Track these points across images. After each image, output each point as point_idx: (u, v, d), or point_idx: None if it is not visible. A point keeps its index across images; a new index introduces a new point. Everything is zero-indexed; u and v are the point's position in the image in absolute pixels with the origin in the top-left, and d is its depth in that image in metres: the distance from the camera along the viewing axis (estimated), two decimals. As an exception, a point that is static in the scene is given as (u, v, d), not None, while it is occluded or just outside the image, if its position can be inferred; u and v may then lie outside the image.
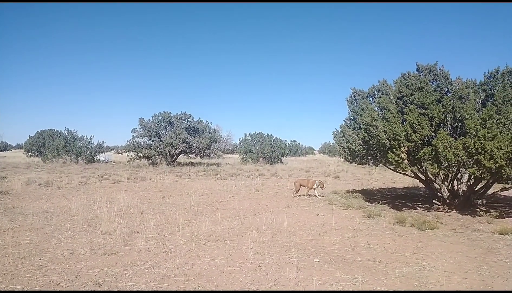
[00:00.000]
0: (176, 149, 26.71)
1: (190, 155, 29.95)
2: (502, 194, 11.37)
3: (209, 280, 4.26)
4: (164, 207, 9.29)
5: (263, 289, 4.04)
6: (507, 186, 9.49)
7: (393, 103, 9.65)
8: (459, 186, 9.56)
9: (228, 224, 7.33)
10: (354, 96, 11.58)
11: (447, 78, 9.82)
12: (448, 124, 9.18)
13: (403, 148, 8.64)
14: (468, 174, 9.03)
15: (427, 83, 9.28)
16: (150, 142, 27.04)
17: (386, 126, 8.84)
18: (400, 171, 9.27)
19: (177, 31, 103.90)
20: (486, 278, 4.49)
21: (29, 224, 7.03)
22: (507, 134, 7.48)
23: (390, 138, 8.77)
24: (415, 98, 9.03)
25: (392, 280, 4.33)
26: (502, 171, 7.51)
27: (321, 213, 8.71)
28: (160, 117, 27.64)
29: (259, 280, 4.30)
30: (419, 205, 10.06)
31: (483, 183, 9.20)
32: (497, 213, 8.46)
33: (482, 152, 7.49)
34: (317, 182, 11.67)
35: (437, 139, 8.10)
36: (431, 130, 8.71)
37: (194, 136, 27.14)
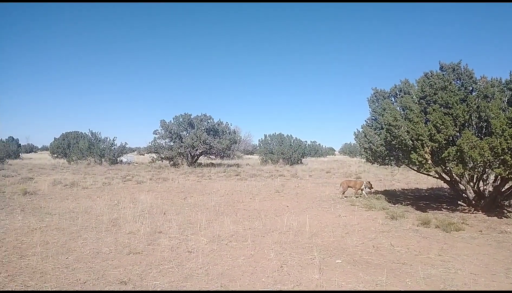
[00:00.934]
0: (196, 150, 26.99)
1: (210, 156, 30.24)
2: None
3: (231, 280, 4.29)
4: (186, 207, 9.40)
5: (285, 289, 4.05)
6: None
7: (416, 103, 9.49)
8: (485, 187, 9.33)
9: (250, 225, 7.37)
10: (375, 96, 11.44)
11: (472, 77, 9.60)
12: (473, 124, 8.96)
13: (426, 148, 8.50)
14: (494, 175, 8.80)
15: (450, 83, 9.10)
16: (172, 143, 27.41)
17: (409, 126, 8.71)
18: (424, 172, 9.11)
19: (197, 34, 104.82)
20: (515, 281, 4.38)
21: (56, 223, 7.23)
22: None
23: (413, 138, 8.64)
24: (438, 98, 8.87)
25: (417, 282, 4.27)
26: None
27: (343, 214, 8.65)
28: (181, 119, 27.98)
29: (282, 280, 4.31)
30: (444, 206, 9.86)
31: (510, 183, 8.95)
32: (526, 214, 8.22)
33: (509, 152, 7.30)
34: (365, 182, 11.58)
35: (462, 139, 7.93)
36: (456, 130, 8.53)
37: (214, 138, 27.35)
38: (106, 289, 3.98)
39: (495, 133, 7.77)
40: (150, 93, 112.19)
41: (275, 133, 32.38)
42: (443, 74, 9.68)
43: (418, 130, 8.48)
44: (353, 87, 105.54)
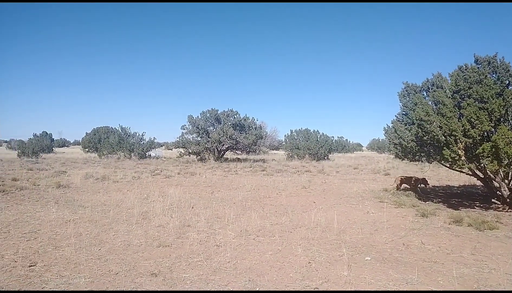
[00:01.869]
0: (223, 145, 27.18)
1: (236, 151, 30.36)
2: None
3: (259, 275, 4.31)
4: (214, 201, 9.49)
5: (313, 285, 4.03)
6: None
7: (449, 97, 9.20)
8: (521, 184, 8.97)
9: (277, 220, 7.37)
10: (406, 91, 11.15)
11: (508, 70, 9.19)
12: (509, 119, 8.61)
13: (460, 144, 8.23)
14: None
15: (486, 76, 8.76)
16: (199, 138, 27.69)
17: (442, 121, 8.46)
18: (456, 168, 8.83)
19: (225, 30, 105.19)
20: (555, 283, 4.19)
21: (88, 216, 7.46)
22: None
23: (445, 134, 8.39)
24: (473, 92, 8.56)
25: (449, 281, 4.16)
26: None
27: (371, 211, 8.51)
28: (208, 114, 28.22)
29: (309, 276, 4.29)
30: (477, 204, 9.54)
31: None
32: None
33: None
34: (420, 179, 11.38)
35: (498, 135, 7.63)
36: (491, 126, 8.22)
37: (240, 133, 27.44)
38: (137, 280, 4.07)
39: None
40: (178, 89, 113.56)
41: (301, 128, 32.20)
42: (478, 68, 9.33)
43: (451, 126, 8.23)
44: (382, 82, 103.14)
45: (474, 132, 8.03)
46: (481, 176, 9.47)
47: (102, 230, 6.32)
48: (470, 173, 9.41)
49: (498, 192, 9.05)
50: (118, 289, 3.82)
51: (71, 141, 79.07)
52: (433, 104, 9.79)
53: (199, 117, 28.25)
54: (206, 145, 26.65)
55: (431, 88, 10.62)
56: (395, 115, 11.51)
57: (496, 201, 8.95)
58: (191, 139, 27.83)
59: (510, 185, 8.99)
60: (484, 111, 8.12)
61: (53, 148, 41.71)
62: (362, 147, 73.14)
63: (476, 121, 8.01)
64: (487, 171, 8.85)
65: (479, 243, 5.87)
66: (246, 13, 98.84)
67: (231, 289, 3.90)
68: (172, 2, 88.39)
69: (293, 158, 29.95)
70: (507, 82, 9.16)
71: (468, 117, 8.10)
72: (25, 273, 4.23)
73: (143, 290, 3.84)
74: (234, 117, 28.43)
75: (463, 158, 8.30)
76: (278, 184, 13.35)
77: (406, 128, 10.29)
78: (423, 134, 9.02)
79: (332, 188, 12.61)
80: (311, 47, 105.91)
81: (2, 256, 4.84)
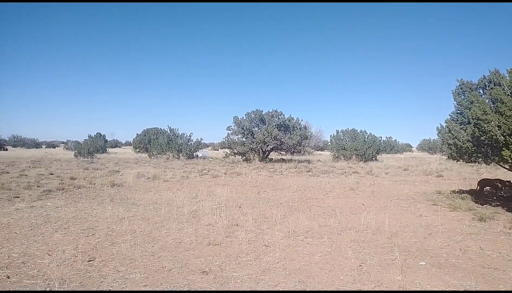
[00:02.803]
0: (268, 145, 27.26)
1: (281, 152, 30.33)
2: None
3: (309, 276, 4.27)
4: (260, 201, 9.53)
5: (365, 289, 3.93)
6: None
7: (508, 95, 8.65)
8: None
9: (324, 222, 7.27)
10: (461, 89, 10.63)
11: None
12: None
13: (521, 144, 7.72)
14: None
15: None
16: (244, 139, 27.98)
17: (500, 120, 7.97)
18: (518, 170, 8.28)
19: (269, 31, 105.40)
20: None
21: (141, 214, 7.75)
22: None
23: (505, 133, 7.89)
24: (536, 89, 8.00)
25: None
26: None
27: (424, 214, 8.17)
28: (252, 115, 28.43)
29: (361, 280, 4.19)
30: (541, 209, 8.89)
31: None
32: None
33: None
34: (505, 181, 10.87)
35: None
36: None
37: (285, 133, 27.40)
38: (189, 277, 4.17)
39: None
40: (224, 90, 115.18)
41: (347, 128, 31.58)
42: (542, 62, 8.69)
43: (511, 125, 7.73)
44: (434, 80, 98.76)
45: (539, 131, 7.50)
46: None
47: (154, 228, 6.54)
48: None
49: None
50: (170, 289, 3.94)
51: (123, 142, 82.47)
52: (491, 103, 9.25)
53: (244, 118, 28.53)
54: (251, 146, 26.86)
55: (488, 86, 10.06)
56: (449, 114, 11.01)
57: None
58: (236, 140, 28.18)
59: None
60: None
61: (107, 148, 43.69)
62: (412, 147, 70.58)
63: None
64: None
65: (546, 251, 5.47)
66: (290, 12, 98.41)
67: (280, 289, 3.89)
68: (224, 2, 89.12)
69: (339, 158, 29.44)
70: None
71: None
72: (84, 267, 4.46)
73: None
74: (279, 117, 28.41)
75: (525, 159, 7.78)
76: (325, 185, 13.18)
77: (461, 128, 9.80)
78: (480, 134, 8.54)
79: (382, 190, 12.25)
80: (358, 45, 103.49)
81: (63, 250, 5.13)
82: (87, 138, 40.95)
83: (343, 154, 29.53)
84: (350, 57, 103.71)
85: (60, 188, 11.08)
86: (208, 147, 55.92)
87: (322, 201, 9.94)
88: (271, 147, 27.96)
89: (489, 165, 10.71)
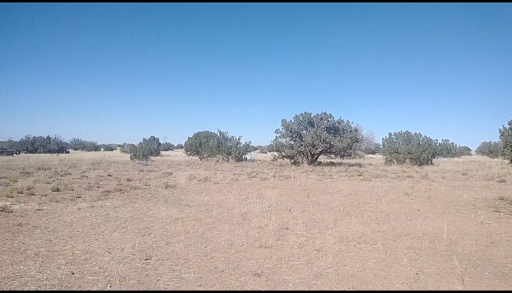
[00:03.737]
0: (316, 148, 26.98)
1: (330, 155, 29.88)
2: None
3: (363, 283, 4.16)
4: (310, 205, 9.44)
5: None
6: None
7: None
8: None
9: (378, 227, 7.05)
10: (527, 88, 9.89)
11: None
12: None
13: None
14: None
15: None
16: (292, 142, 27.90)
17: None
18: None
19: (318, 34, 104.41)
20: None
21: (194, 215, 7.96)
22: None
23: None
24: None
25: None
26: None
27: (485, 221, 7.69)
28: (301, 118, 28.27)
29: (418, 288, 4.03)
30: None
31: None
32: None
33: None
34: None
35: None
36: None
37: (334, 136, 26.99)
38: (242, 279, 4.22)
39: None
40: (272, 93, 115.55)
41: (401, 131, 30.50)
42: None
43: None
44: (497, 79, 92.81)
45: None
46: None
47: (206, 229, 6.68)
48: None
49: None
50: (224, 289, 4.00)
51: (175, 145, 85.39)
52: None
53: (293, 121, 28.45)
54: (300, 149, 26.72)
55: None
56: (514, 116, 10.26)
57: None
58: (284, 142, 28.15)
59: None
60: None
61: (160, 151, 45.41)
62: (471, 150, 66.95)
63: None
64: None
65: None
66: (339, 14, 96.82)
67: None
68: (288, 2, 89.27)
69: (392, 162, 28.49)
70: None
71: None
72: (142, 265, 4.65)
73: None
74: (328, 120, 28.04)
75: None
76: (377, 190, 12.79)
77: (528, 130, 9.12)
78: (550, 136, 7.91)
79: (438, 195, 11.69)
80: (412, 43, 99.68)
81: (122, 249, 5.38)
82: (142, 141, 42.76)
83: (396, 158, 28.55)
84: (403, 56, 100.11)
85: (118, 189, 11.65)
86: (256, 149, 56.37)
87: (375, 206, 9.66)
88: (320, 150, 27.64)
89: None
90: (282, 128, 28.50)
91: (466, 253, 5.45)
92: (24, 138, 59.92)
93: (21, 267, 4.47)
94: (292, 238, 6.07)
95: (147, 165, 24.39)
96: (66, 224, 6.93)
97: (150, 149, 37.14)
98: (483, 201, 10.34)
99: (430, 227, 6.83)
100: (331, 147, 27.00)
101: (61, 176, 15.71)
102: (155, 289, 3.93)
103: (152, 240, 5.89)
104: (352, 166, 25.57)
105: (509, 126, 9.72)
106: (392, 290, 4.00)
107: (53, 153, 49.69)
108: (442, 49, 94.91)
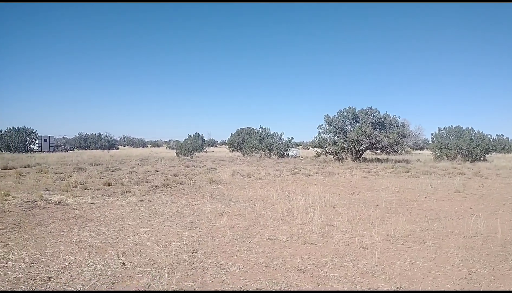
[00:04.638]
0: (361, 144, 26.36)
1: (376, 151, 29.09)
2: None
3: (411, 282, 4.04)
4: (355, 202, 9.28)
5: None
6: None
7: None
8: None
9: (427, 226, 6.80)
10: None
11: None
12: None
13: None
14: None
15: None
16: (336, 138, 27.44)
17: None
18: None
19: (361, 30, 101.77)
20: None
21: (238, 210, 8.06)
22: None
23: None
24: None
25: None
26: None
27: (546, 222, 7.21)
28: (345, 113, 27.73)
29: (470, 289, 3.85)
30: None
31: None
32: None
33: None
34: None
35: None
36: None
37: (380, 132, 26.22)
38: (286, 275, 4.22)
39: None
40: (315, 89, 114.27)
41: (451, 126, 29.12)
42: None
43: None
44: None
45: None
46: None
47: (250, 224, 6.75)
48: None
49: None
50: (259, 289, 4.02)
51: (218, 141, 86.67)
52: None
53: (336, 116, 27.97)
54: (344, 145, 26.22)
55: None
56: None
57: None
58: (327, 138, 27.75)
59: None
60: None
61: (204, 147, 46.33)
62: (528, 146, 62.67)
63: None
64: None
65: None
66: (390, 10, 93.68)
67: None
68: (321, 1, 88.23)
69: (441, 158, 27.28)
70: None
71: None
72: (189, 258, 4.78)
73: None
74: (373, 115, 27.30)
75: None
76: (426, 187, 12.32)
77: None
78: None
79: (493, 193, 11.07)
80: (458, 38, 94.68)
81: (170, 242, 5.56)
82: (187, 138, 43.83)
83: (446, 153, 27.30)
84: (452, 49, 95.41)
85: (165, 184, 12.03)
86: (298, 146, 55.97)
87: (424, 203, 9.31)
88: (365, 146, 26.99)
89: None
90: (325, 124, 28.10)
91: (524, 254, 5.14)
92: (77, 135, 63.10)
93: (77, 258, 4.73)
94: (336, 235, 6.00)
95: (192, 161, 24.96)
96: (117, 217, 7.25)
97: (195, 145, 37.97)
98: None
99: (483, 226, 6.49)
100: (376, 143, 26.27)
101: (112, 171, 16.45)
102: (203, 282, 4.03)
103: (198, 234, 6.03)
104: (399, 162, 24.79)
105: None
106: (443, 290, 3.85)
107: (104, 149, 51.92)
108: (493, 41, 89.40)
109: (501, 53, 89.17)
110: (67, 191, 10.08)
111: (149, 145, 79.70)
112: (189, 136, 46.22)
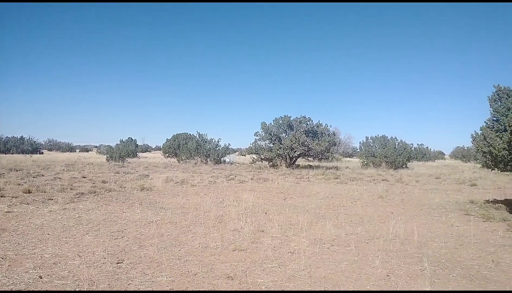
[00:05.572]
0: (295, 151, 27.14)
1: (308, 158, 30.10)
2: None
3: (335, 285, 4.21)
4: (286, 208, 9.50)
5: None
6: None
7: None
8: None
9: (352, 230, 7.16)
10: (498, 95, 10.21)
11: None
12: None
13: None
14: None
15: None
16: (271, 145, 28.00)
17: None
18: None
19: (297, 36, 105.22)
20: None
21: (169, 217, 7.87)
22: None
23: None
24: None
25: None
26: None
27: (456, 224, 7.91)
28: (280, 121, 28.41)
29: (388, 290, 4.10)
30: None
31: None
32: None
33: None
34: None
35: None
36: None
37: (313, 139, 27.21)
38: (214, 282, 4.20)
39: None
40: (253, 96, 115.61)
41: (377, 135, 31.03)
42: None
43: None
44: (469, 85, 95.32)
45: None
46: None
47: (181, 232, 6.63)
48: None
49: None
50: (196, 289, 3.97)
51: (153, 147, 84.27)
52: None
53: (272, 124, 28.56)
54: (278, 152, 26.82)
55: (527, 92, 9.65)
56: (485, 122, 10.58)
57: None
58: (263, 145, 28.24)
59: None
60: None
61: (137, 153, 44.68)
62: (445, 155, 68.70)
63: None
64: None
65: None
66: (320, 16, 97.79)
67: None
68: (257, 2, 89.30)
69: (368, 166, 28.94)
70: None
71: None
72: (113, 269, 4.57)
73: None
74: (307, 123, 28.28)
75: None
76: (353, 193, 12.98)
77: (497, 136, 9.43)
78: (517, 142, 8.20)
79: (412, 198, 11.95)
80: (385, 47, 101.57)
81: (93, 252, 5.28)
82: (119, 142, 42.03)
83: (372, 161, 29.01)
84: (380, 61, 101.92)
85: (92, 191, 11.42)
86: (235, 152, 56.21)
87: (350, 208, 9.79)
88: (298, 153, 27.82)
89: (526, 174, 10.24)
90: (261, 131, 28.57)
91: (436, 255, 5.59)
92: (-4, 138, 57.95)
93: (-14, 272, 4.33)
94: (267, 241, 6.10)
95: (124, 167, 23.99)
96: (36, 227, 6.75)
97: (127, 150, 36.49)
98: (454, 204, 10.64)
99: (402, 230, 6.97)
100: (309, 150, 27.21)
101: (34, 177, 15.28)
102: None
103: (125, 243, 5.80)
104: (329, 169, 25.85)
105: (481, 132, 10.03)
106: (363, 290, 4.07)
107: (26, 153, 48.11)
108: (417, 53, 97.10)
109: (423, 66, 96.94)
110: (-21, 199, 9.20)
111: (77, 150, 75.22)
112: (121, 141, 44.32)
